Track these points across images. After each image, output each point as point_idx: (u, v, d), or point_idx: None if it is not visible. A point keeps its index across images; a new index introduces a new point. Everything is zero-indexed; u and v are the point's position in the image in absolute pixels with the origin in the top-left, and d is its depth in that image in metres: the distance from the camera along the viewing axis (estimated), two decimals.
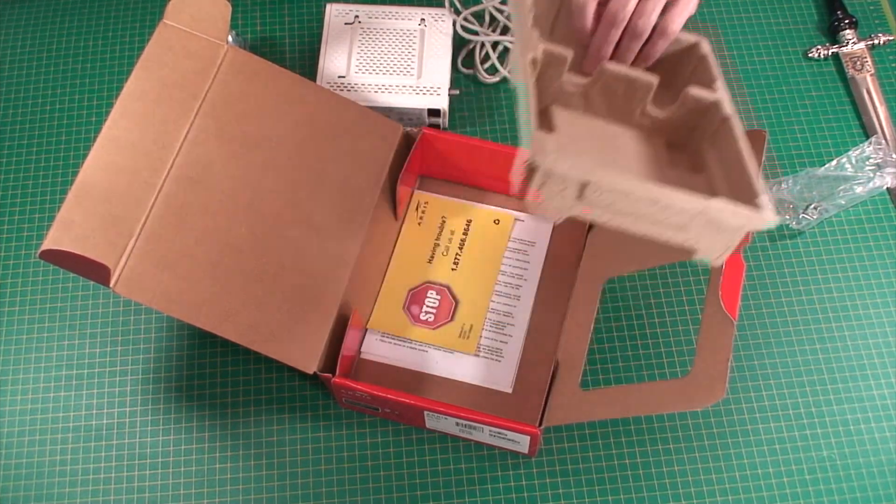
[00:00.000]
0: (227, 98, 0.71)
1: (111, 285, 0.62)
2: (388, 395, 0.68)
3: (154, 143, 0.67)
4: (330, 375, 0.68)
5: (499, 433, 0.68)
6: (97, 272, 0.62)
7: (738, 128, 0.60)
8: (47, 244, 0.60)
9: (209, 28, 0.72)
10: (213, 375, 0.75)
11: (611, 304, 0.78)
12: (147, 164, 0.66)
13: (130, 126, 0.66)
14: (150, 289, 0.63)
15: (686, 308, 0.78)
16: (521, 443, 0.69)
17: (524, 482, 0.71)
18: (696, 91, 0.61)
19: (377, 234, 0.76)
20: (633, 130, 0.64)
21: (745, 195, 0.56)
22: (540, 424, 0.66)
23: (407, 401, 0.67)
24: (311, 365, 0.67)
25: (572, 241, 0.79)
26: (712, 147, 0.62)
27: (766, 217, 0.54)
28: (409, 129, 0.78)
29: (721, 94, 0.61)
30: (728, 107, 0.60)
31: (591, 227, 0.76)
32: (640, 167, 0.61)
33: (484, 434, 0.69)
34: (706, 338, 0.59)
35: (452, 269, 0.78)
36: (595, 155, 0.61)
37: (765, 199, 0.55)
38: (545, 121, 0.63)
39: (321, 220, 0.72)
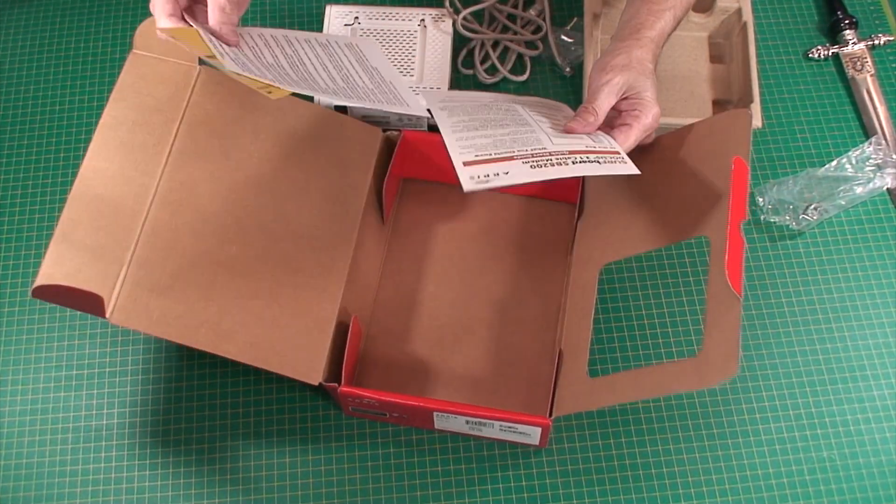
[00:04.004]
0: (203, 119, 0.71)
1: (107, 316, 0.61)
2: (397, 400, 0.67)
3: (136, 169, 0.67)
4: (336, 385, 0.67)
5: (509, 427, 0.68)
6: (92, 304, 0.61)
7: (752, 31, 0.86)
8: (40, 280, 0.59)
9: (178, 51, 0.71)
10: (213, 376, 0.75)
11: (609, 294, 0.78)
12: (131, 192, 0.66)
13: (110, 156, 0.66)
14: (147, 315, 0.63)
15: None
16: (532, 435, 0.69)
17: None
18: (723, 3, 0.89)
19: (367, 239, 0.76)
20: (685, 33, 0.90)
21: (745, 94, 0.83)
22: (550, 415, 0.66)
23: (416, 403, 0.67)
24: (315, 376, 0.67)
25: (560, 228, 0.80)
26: (733, 45, 0.88)
27: (754, 124, 0.77)
28: (388, 132, 0.78)
29: (743, 3, 0.87)
30: (746, 14, 0.87)
31: (580, 213, 0.76)
32: (683, 64, 0.89)
33: (494, 430, 0.69)
34: (713, 315, 0.59)
35: None
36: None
37: (756, 107, 0.81)
38: None
39: (311, 231, 0.72)
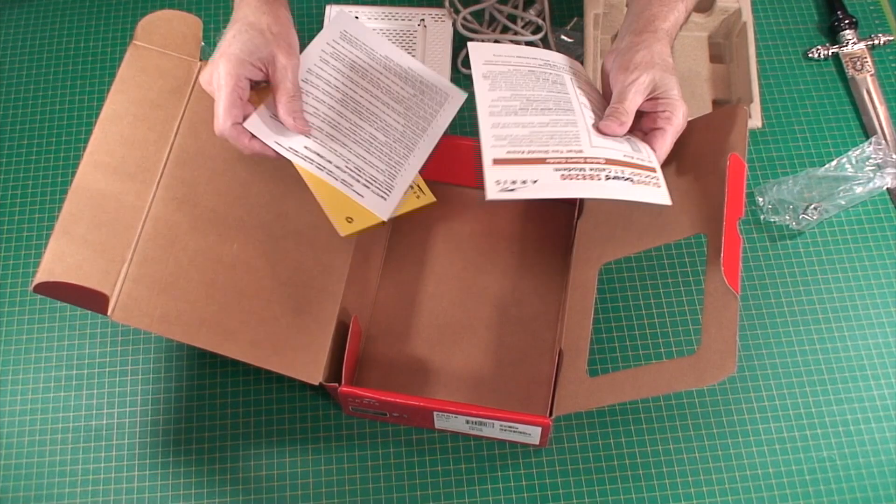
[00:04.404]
0: (205, 115, 0.71)
1: (108, 313, 0.61)
2: (398, 400, 0.67)
3: (137, 166, 0.67)
4: (336, 385, 0.67)
5: (510, 427, 0.68)
6: (93, 301, 0.61)
7: (752, 31, 0.86)
8: (40, 276, 0.59)
9: (180, 46, 0.71)
10: (213, 376, 0.75)
11: (609, 294, 0.78)
12: (132, 188, 0.66)
13: (112, 151, 0.66)
14: (148, 313, 0.63)
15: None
16: (533, 434, 0.69)
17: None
18: (723, 3, 0.89)
19: (367, 239, 0.76)
20: (686, 32, 0.88)
21: (745, 94, 0.84)
22: (550, 414, 0.66)
23: (416, 403, 0.67)
24: (315, 376, 0.67)
25: (560, 228, 0.80)
26: (733, 46, 0.89)
27: (754, 124, 0.82)
28: None
29: (743, 3, 0.88)
30: (746, 14, 0.87)
31: (579, 213, 0.76)
32: (682, 64, 0.89)
33: (494, 429, 0.69)
34: (711, 313, 0.59)
35: None
36: None
37: (756, 107, 0.83)
38: None
39: (311, 230, 0.72)
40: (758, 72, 0.83)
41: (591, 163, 0.62)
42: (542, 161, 0.61)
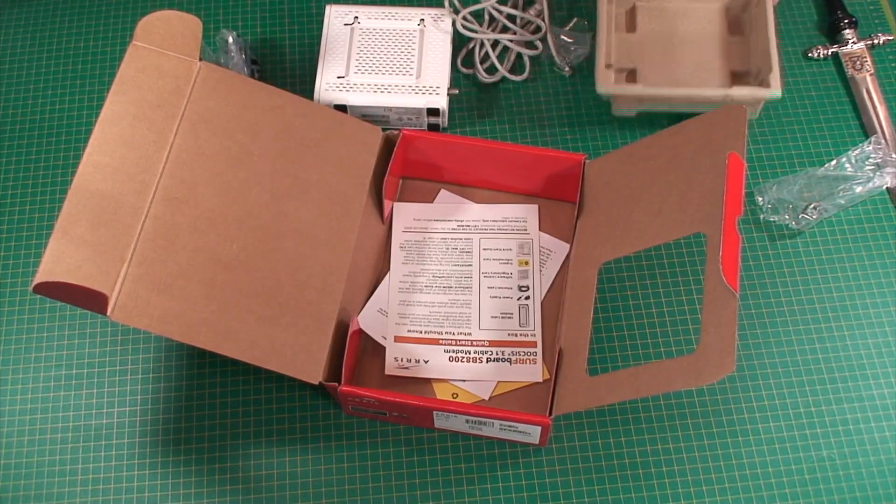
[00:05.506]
0: (204, 115, 0.71)
1: (108, 313, 0.61)
2: (398, 399, 0.68)
3: (136, 166, 0.67)
4: (336, 384, 0.68)
5: (509, 426, 0.68)
6: (93, 301, 0.61)
7: (770, 3, 0.84)
8: (40, 277, 0.59)
9: (180, 46, 0.71)
10: (212, 375, 0.75)
11: (608, 294, 0.78)
12: (132, 188, 0.66)
13: (111, 151, 0.66)
14: (148, 313, 0.63)
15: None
16: (532, 434, 0.69)
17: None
18: None
19: (366, 239, 0.76)
20: (702, 4, 0.89)
21: (764, 63, 0.82)
22: (550, 414, 0.66)
23: (417, 402, 0.67)
24: (315, 375, 0.67)
25: (560, 226, 0.80)
26: (752, 16, 0.86)
27: (774, 94, 0.80)
28: (387, 131, 0.79)
29: None
30: None
31: (579, 213, 0.77)
32: (700, 36, 0.87)
33: (494, 429, 0.69)
34: (710, 312, 0.59)
35: None
36: (661, 51, 0.87)
37: (775, 76, 0.80)
38: (630, 20, 0.90)
39: (311, 230, 0.72)
40: (778, 40, 0.82)
41: (477, 345, 0.74)
42: (436, 341, 0.74)
